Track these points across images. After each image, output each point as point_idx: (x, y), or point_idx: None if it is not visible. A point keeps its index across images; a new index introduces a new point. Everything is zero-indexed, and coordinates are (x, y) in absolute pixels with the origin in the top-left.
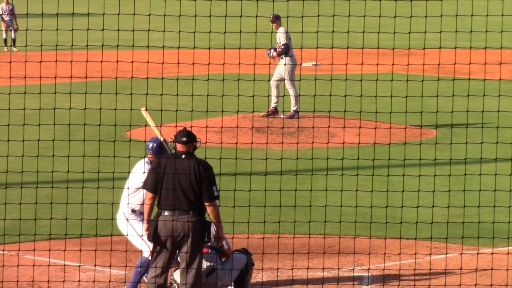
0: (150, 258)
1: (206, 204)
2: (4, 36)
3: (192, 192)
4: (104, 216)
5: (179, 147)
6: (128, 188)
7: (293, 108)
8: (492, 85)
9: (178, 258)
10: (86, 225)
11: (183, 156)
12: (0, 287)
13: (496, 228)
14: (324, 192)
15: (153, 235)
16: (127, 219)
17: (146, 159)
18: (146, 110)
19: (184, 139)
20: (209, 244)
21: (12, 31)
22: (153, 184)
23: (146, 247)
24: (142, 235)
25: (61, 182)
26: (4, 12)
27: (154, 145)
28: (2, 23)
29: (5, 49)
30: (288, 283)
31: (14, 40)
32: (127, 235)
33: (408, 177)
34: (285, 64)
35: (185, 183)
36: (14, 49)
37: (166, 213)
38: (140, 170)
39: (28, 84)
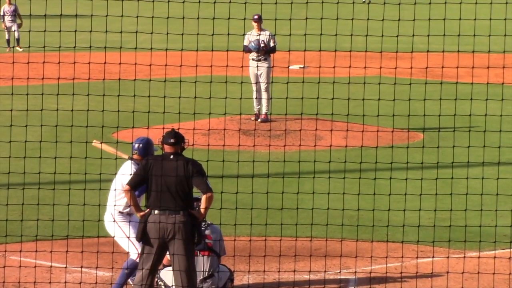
0: (137, 260)
1: (205, 195)
2: (6, 36)
3: (182, 192)
4: (90, 218)
5: (167, 149)
6: (115, 190)
7: (266, 111)
8: (480, 89)
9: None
10: (73, 227)
11: (171, 156)
12: None
13: (483, 232)
14: (311, 195)
15: (142, 235)
16: (115, 220)
17: (133, 160)
18: (101, 142)
19: (172, 140)
20: (212, 247)
21: (16, 31)
22: (135, 181)
23: (133, 249)
24: (129, 237)
25: (48, 184)
26: (7, 14)
27: (140, 145)
28: (3, 24)
29: (7, 50)
30: (275, 286)
31: (18, 40)
32: (114, 236)
33: (395, 180)
34: (271, 67)
35: (174, 184)
36: (19, 49)
37: (156, 212)
38: (126, 172)
39: (15, 85)
